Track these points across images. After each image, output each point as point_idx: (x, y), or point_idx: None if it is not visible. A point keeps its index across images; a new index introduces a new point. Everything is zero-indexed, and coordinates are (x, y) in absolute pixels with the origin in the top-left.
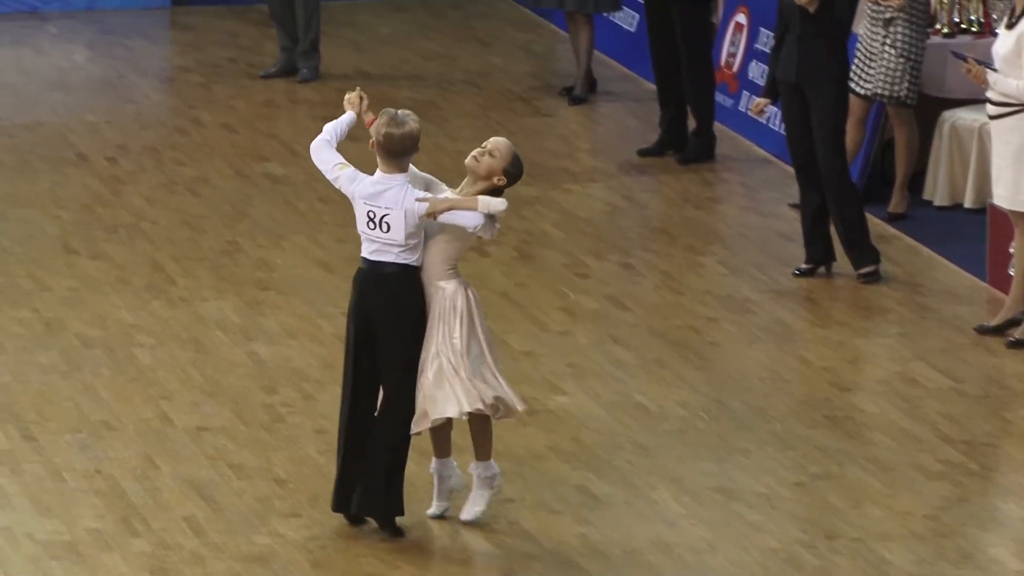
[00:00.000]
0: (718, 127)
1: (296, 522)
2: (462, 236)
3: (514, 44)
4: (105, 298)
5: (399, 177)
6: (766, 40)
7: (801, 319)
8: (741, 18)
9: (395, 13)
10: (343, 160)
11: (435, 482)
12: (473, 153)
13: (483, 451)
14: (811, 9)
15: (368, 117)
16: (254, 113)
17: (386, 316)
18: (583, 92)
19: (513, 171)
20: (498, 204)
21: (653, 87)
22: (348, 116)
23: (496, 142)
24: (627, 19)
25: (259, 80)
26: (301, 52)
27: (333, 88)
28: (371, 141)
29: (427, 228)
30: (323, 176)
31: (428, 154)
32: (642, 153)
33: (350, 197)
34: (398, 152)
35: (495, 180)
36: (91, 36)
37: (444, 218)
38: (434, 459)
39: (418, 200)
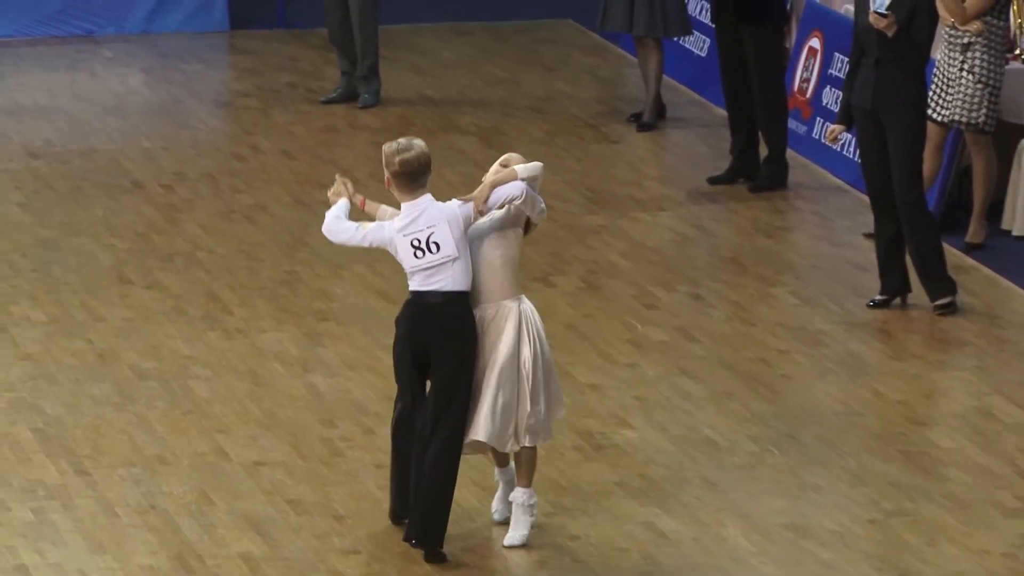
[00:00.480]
0: (791, 154)
1: (355, 559)
2: (511, 241)
3: (580, 69)
4: (160, 329)
5: (425, 198)
6: (840, 65)
7: (875, 351)
8: (815, 42)
9: (458, 37)
10: (360, 223)
11: (501, 487)
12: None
13: (525, 478)
14: (889, 33)
15: (359, 199)
16: (313, 139)
17: (444, 343)
18: (652, 118)
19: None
20: (534, 166)
21: (724, 113)
22: (342, 203)
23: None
24: (697, 43)
25: (319, 106)
26: (360, 77)
27: (394, 114)
28: (386, 180)
29: (473, 247)
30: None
31: None
32: (712, 181)
33: (387, 243)
34: (418, 173)
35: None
36: (147, 60)
37: (492, 200)
38: (496, 468)
39: (461, 202)
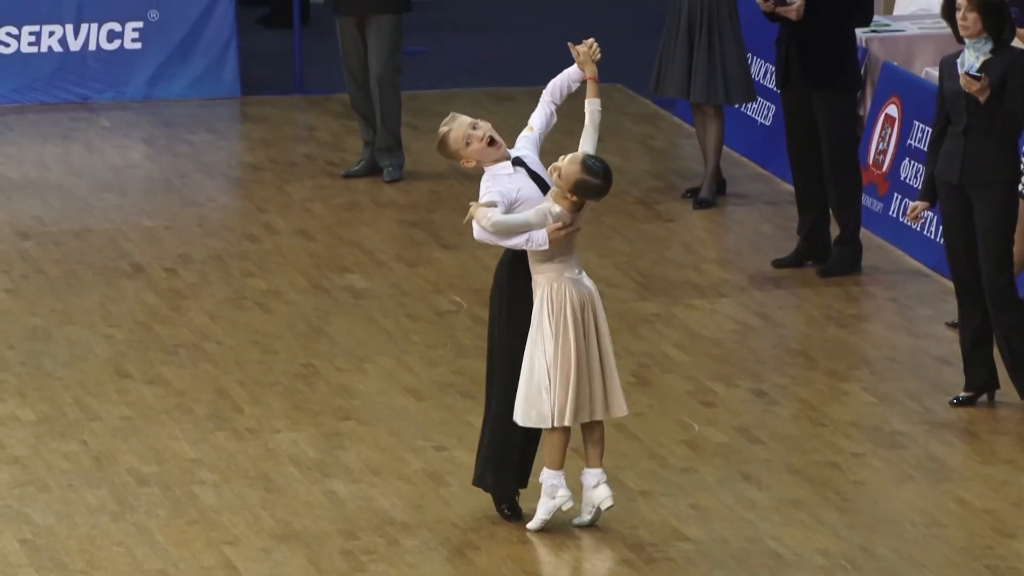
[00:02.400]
0: (865, 234)
1: None
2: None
3: (632, 138)
4: (162, 429)
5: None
6: (921, 135)
7: (959, 455)
8: (892, 110)
9: (498, 103)
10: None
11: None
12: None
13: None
14: (981, 98)
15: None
16: (334, 217)
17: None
18: (710, 194)
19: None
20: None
21: (790, 188)
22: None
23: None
24: (761, 111)
25: (340, 180)
26: (383, 148)
27: (423, 189)
28: (464, 161)
29: None
30: (411, 290)
31: None
32: (778, 264)
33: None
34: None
35: (567, 196)
36: (149, 130)
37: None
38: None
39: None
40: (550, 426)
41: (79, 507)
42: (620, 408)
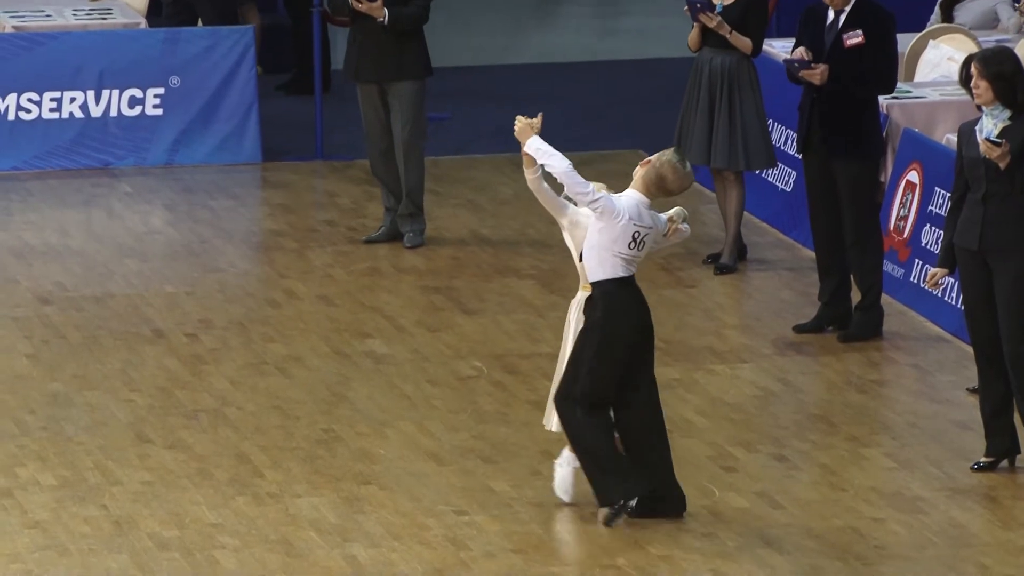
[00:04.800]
0: (886, 300)
1: None
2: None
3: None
4: (183, 494)
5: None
6: (941, 201)
7: (981, 520)
8: (913, 176)
9: (518, 170)
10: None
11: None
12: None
13: None
14: (1002, 164)
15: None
16: (355, 283)
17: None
18: (731, 260)
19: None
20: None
21: (812, 255)
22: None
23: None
24: (782, 177)
25: (361, 246)
26: (404, 214)
27: (445, 255)
28: (651, 166)
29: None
30: (432, 356)
31: (554, 330)
32: (799, 329)
33: (615, 217)
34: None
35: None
36: (170, 196)
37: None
38: None
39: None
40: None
41: (99, 572)
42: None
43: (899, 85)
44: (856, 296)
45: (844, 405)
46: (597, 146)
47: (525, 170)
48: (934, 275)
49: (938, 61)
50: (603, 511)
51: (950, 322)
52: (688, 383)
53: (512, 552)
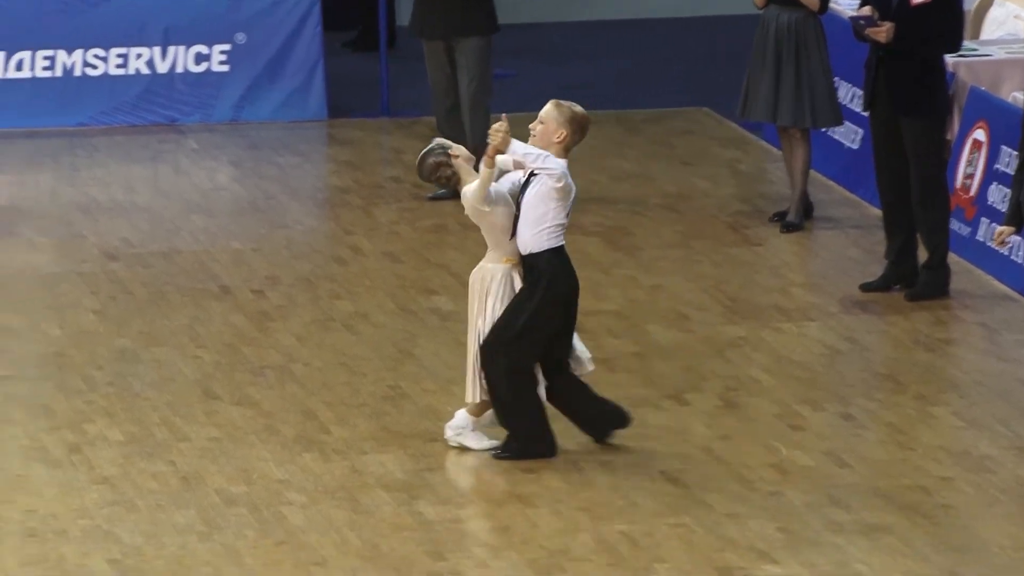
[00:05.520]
0: (953, 259)
1: None
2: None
3: (719, 163)
4: (250, 450)
5: None
6: (1009, 159)
7: None
8: (979, 134)
9: None
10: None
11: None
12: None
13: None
14: None
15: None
16: (420, 240)
17: None
18: (798, 218)
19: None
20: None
21: (878, 213)
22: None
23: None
24: (849, 135)
25: (426, 203)
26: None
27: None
28: (561, 134)
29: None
30: None
31: (619, 287)
32: (865, 288)
33: (571, 191)
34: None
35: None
36: (236, 152)
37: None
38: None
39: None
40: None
41: (167, 527)
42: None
43: (965, 43)
44: (923, 254)
45: (911, 364)
46: (661, 103)
47: (484, 170)
48: (1001, 233)
49: (1004, 19)
50: (497, 452)
51: (1017, 280)
52: (755, 341)
53: (578, 509)
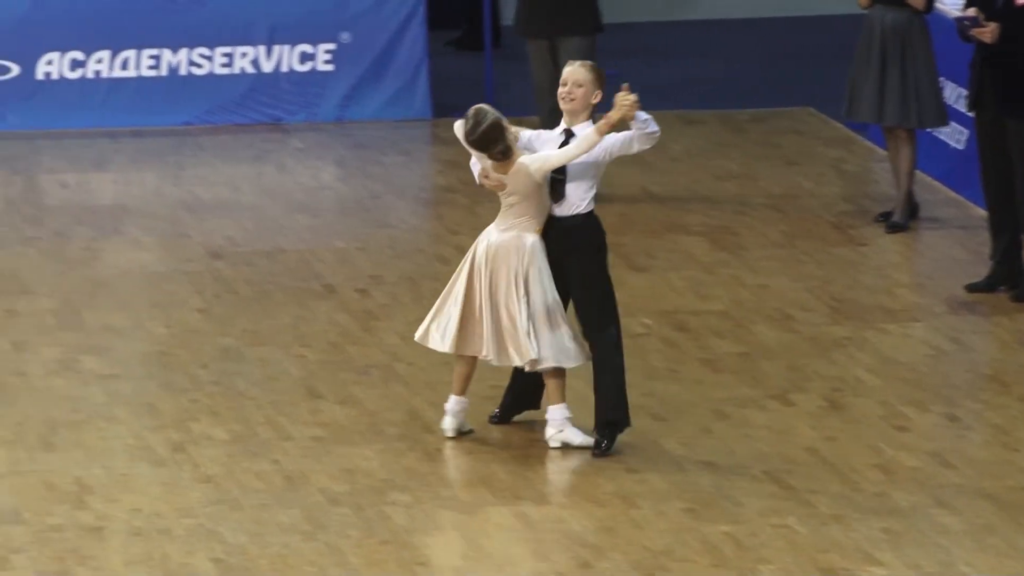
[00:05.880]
0: None
1: None
2: None
3: (824, 163)
4: (354, 449)
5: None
6: None
7: None
8: None
9: (687, 127)
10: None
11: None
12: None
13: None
14: None
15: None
16: None
17: None
18: (903, 218)
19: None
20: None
21: (983, 213)
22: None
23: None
24: (954, 135)
25: None
26: None
27: (615, 211)
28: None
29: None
30: None
31: (724, 287)
32: (971, 288)
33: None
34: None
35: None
36: (341, 152)
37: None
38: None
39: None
40: (441, 349)
41: (271, 526)
42: (508, 360)
43: None
44: None
45: (1017, 365)
46: (765, 103)
47: (595, 137)
48: None
49: None
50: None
51: None
52: (859, 342)
53: (683, 510)
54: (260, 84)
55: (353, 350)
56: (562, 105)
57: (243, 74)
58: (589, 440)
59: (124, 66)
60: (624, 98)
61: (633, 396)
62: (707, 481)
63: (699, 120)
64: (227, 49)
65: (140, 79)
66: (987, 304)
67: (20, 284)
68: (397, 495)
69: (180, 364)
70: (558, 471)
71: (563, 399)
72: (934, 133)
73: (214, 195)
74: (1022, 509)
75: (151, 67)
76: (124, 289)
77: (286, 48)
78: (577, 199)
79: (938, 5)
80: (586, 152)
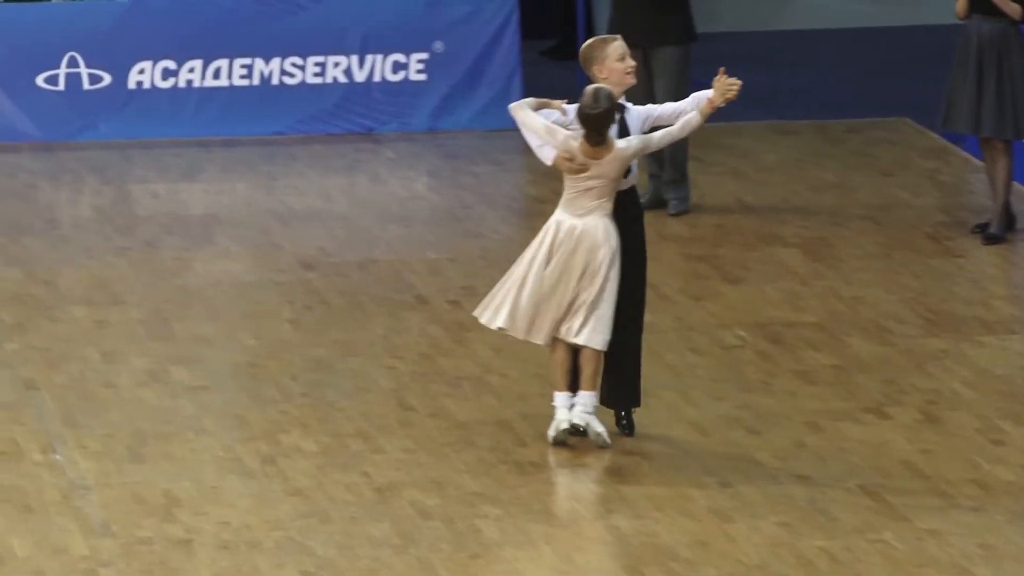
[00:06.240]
0: None
1: None
2: None
3: (920, 173)
4: (445, 461)
5: None
6: None
7: None
8: None
9: (783, 137)
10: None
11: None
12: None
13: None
14: None
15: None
16: None
17: None
18: (1000, 230)
19: None
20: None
21: None
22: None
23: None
24: None
25: None
26: (668, 181)
27: (708, 222)
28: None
29: None
30: (695, 325)
31: (819, 299)
32: None
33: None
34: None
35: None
36: (433, 161)
37: None
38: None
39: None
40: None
41: (361, 540)
42: (588, 340)
43: None
44: None
45: None
46: (862, 113)
47: (699, 119)
48: None
49: None
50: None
51: None
52: (956, 355)
53: (777, 525)
54: (352, 94)
55: (444, 362)
56: (627, 79)
57: (335, 84)
58: (606, 438)
59: (216, 75)
60: (730, 83)
61: (727, 408)
62: (801, 495)
63: (794, 131)
64: (319, 58)
65: (232, 88)
66: None
67: (110, 294)
68: (488, 508)
69: (270, 375)
70: (650, 484)
71: (597, 387)
72: None
73: (306, 205)
74: None
75: (243, 76)
76: (214, 300)
77: (379, 57)
78: (633, 175)
79: None
80: (683, 134)
